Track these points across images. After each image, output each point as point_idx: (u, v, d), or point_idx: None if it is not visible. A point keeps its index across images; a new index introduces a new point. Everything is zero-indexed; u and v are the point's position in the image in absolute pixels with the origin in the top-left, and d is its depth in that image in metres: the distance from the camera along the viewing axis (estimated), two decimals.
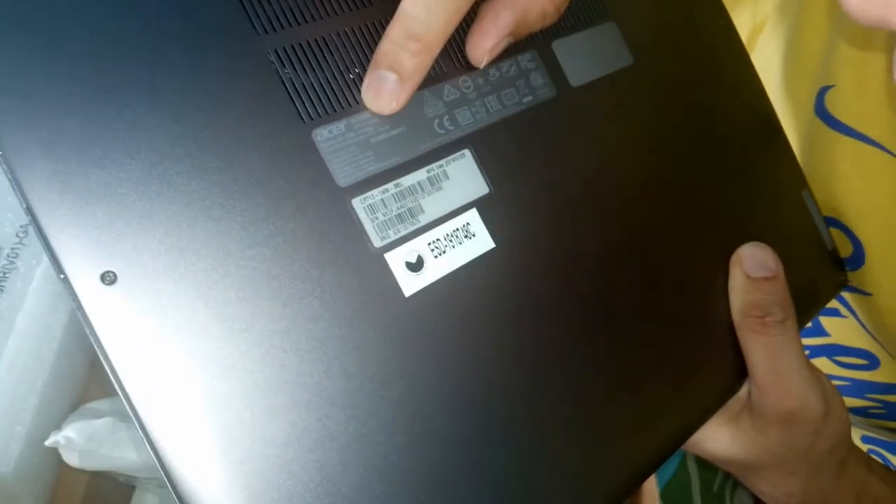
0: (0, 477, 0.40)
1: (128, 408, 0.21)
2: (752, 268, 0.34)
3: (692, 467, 0.56)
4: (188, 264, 0.22)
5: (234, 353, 0.22)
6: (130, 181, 0.21)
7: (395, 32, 0.24)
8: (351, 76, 0.26)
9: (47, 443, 0.42)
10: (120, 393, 0.21)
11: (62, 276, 0.20)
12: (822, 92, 0.43)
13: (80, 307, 0.20)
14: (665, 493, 0.54)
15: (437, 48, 0.25)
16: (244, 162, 0.23)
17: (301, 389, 0.22)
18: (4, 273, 0.47)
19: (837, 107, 0.42)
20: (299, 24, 0.25)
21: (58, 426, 0.43)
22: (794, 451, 0.34)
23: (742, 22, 0.49)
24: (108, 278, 0.20)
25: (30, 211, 0.20)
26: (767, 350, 0.33)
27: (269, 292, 0.23)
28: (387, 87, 0.25)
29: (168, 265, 0.21)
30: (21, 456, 0.41)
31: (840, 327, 0.51)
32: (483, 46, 0.27)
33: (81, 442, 0.42)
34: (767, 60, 0.42)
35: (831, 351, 0.53)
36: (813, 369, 0.34)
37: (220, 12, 0.24)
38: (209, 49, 0.23)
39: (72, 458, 0.42)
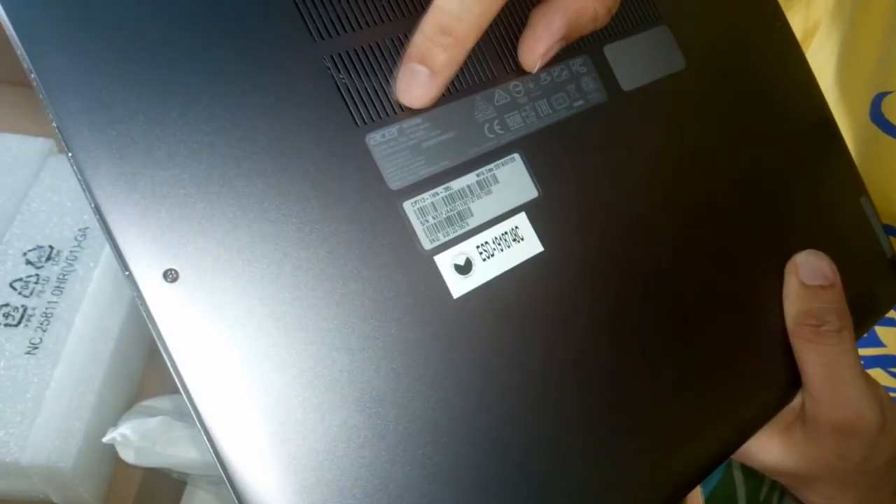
0: (60, 471, 0.42)
1: (186, 400, 0.22)
2: (807, 276, 0.33)
3: (738, 476, 0.55)
4: (246, 264, 0.23)
5: (288, 351, 0.23)
6: (192, 183, 0.22)
7: (428, 26, 0.25)
8: None
9: (104, 439, 0.43)
10: (179, 386, 0.22)
11: (127, 273, 0.21)
12: (879, 98, 0.43)
13: (143, 303, 0.21)
14: (710, 502, 0.54)
15: (469, 43, 0.25)
16: (300, 165, 0.24)
17: (351, 387, 0.23)
18: (64, 275, 0.49)
19: (895, 113, 0.42)
20: (354, 30, 0.26)
21: (114, 424, 0.45)
22: (849, 464, 0.34)
23: (794, 25, 0.49)
24: (171, 276, 0.22)
25: (97, 210, 0.21)
26: (822, 359, 0.32)
27: (322, 292, 0.24)
28: (419, 80, 0.25)
29: (227, 264, 0.22)
30: (80, 452, 0.43)
31: None
32: (536, 52, 0.28)
33: (136, 439, 0.43)
34: (820, 65, 0.42)
35: (886, 362, 0.52)
36: (869, 380, 0.33)
37: (278, 19, 0.25)
38: (267, 55, 0.24)
39: (127, 455, 0.44)
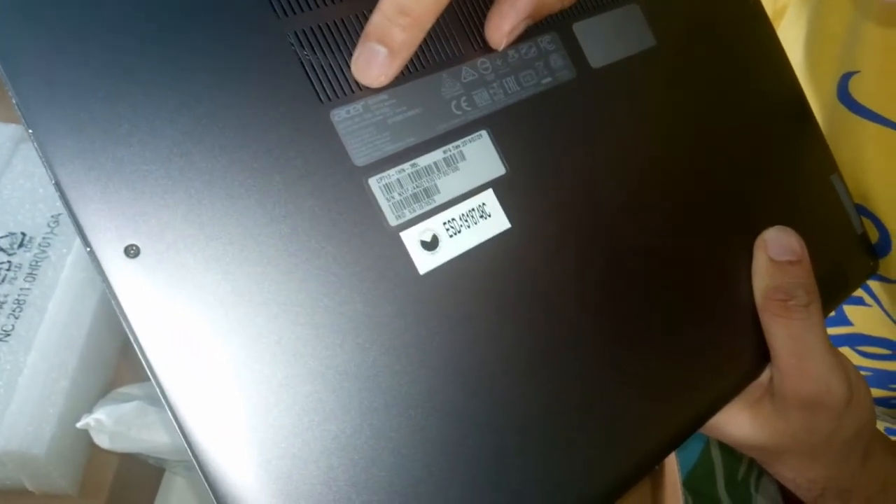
0: (34, 458, 0.42)
1: (150, 377, 0.22)
2: (776, 251, 0.34)
3: (716, 455, 0.56)
4: (208, 239, 0.23)
5: (252, 327, 0.23)
6: (154, 159, 0.23)
7: (387, 6, 0.25)
8: None
9: (78, 425, 0.44)
10: (143, 363, 0.22)
11: (88, 249, 0.22)
12: (846, 77, 0.43)
13: (105, 279, 0.22)
14: (688, 482, 0.54)
15: (428, 23, 0.26)
16: (263, 142, 0.24)
17: (316, 362, 0.24)
18: (36, 262, 0.49)
19: (862, 92, 0.43)
20: (318, 6, 0.26)
21: (89, 409, 0.45)
22: (817, 437, 0.34)
23: (764, 5, 0.49)
24: (132, 251, 0.22)
25: (58, 186, 0.21)
26: (790, 334, 0.33)
27: (286, 268, 0.24)
28: (377, 60, 0.26)
29: (189, 240, 0.23)
30: (54, 438, 0.43)
31: (864, 316, 0.51)
32: (502, 29, 0.28)
33: (111, 424, 0.44)
34: (788, 46, 0.43)
35: (854, 340, 0.53)
36: (837, 354, 0.34)
37: None
38: (230, 31, 0.24)
39: (102, 440, 0.44)
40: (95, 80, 0.22)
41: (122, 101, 0.23)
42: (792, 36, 0.49)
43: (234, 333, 0.23)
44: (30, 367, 0.45)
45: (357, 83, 0.26)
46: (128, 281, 0.22)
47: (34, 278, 0.48)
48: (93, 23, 0.23)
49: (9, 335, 0.46)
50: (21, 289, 0.48)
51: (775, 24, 0.50)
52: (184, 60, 0.24)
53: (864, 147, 0.44)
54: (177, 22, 0.24)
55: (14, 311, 0.47)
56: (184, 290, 0.22)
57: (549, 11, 0.29)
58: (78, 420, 0.44)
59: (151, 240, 0.22)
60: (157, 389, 0.22)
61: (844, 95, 0.44)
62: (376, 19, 0.25)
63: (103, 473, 0.46)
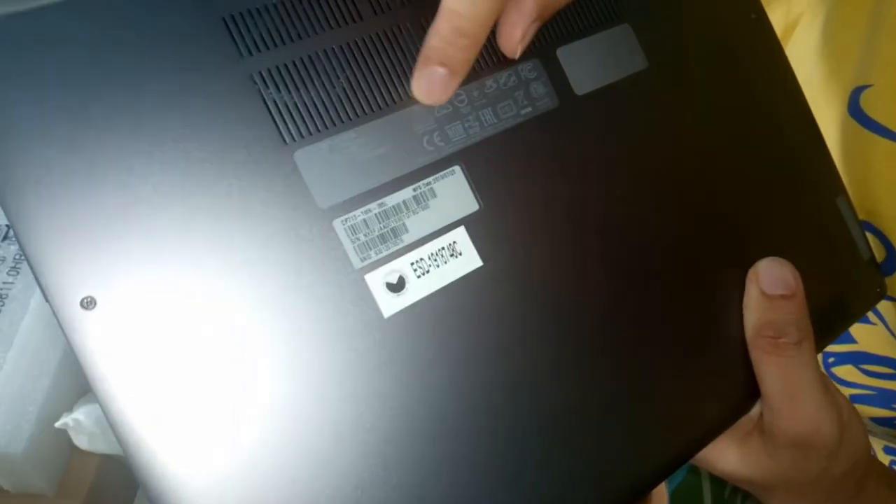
0: (11, 457, 0.44)
1: (106, 417, 0.23)
2: (768, 284, 0.34)
3: (704, 472, 0.57)
4: (167, 290, 0.24)
5: (212, 375, 0.24)
6: (112, 209, 0.23)
7: (444, 29, 0.27)
8: (334, 96, 0.27)
9: (57, 424, 0.45)
10: (101, 408, 0.23)
11: (47, 301, 0.23)
12: (858, 91, 0.43)
13: (63, 331, 0.23)
14: (675, 498, 0.56)
15: (483, 39, 0.27)
16: (225, 187, 0.25)
17: (276, 413, 0.25)
18: (20, 256, 0.50)
19: (874, 107, 0.43)
20: (284, 43, 0.27)
21: (69, 409, 0.47)
22: (807, 475, 0.35)
23: (776, 19, 0.49)
24: (88, 303, 0.23)
25: (17, 238, 0.23)
26: (780, 372, 0.33)
27: (246, 315, 0.25)
28: (439, 80, 0.27)
29: (147, 291, 0.24)
30: (32, 437, 0.44)
31: (868, 335, 0.51)
32: (514, 37, 0.29)
33: (90, 425, 0.45)
34: (800, 58, 0.43)
35: (858, 359, 0.53)
36: (829, 393, 0.35)
37: (205, 36, 0.25)
38: (193, 74, 0.25)
39: (80, 441, 0.45)
40: (52, 128, 0.23)
41: (79, 151, 0.23)
42: (804, 49, 0.49)
43: (195, 385, 0.24)
44: (10, 362, 0.46)
45: (328, 120, 0.27)
46: (84, 333, 0.23)
47: (17, 272, 0.50)
48: (50, 66, 0.23)
49: None
50: (3, 282, 0.49)
51: (787, 37, 0.50)
52: (143, 105, 0.24)
53: (874, 162, 0.44)
54: (135, 65, 0.24)
55: None
56: (142, 341, 0.23)
57: (556, 7, 0.29)
58: (57, 420, 0.46)
59: (108, 291, 0.23)
60: (117, 439, 0.23)
61: (856, 110, 0.44)
62: (434, 42, 0.27)
63: (83, 474, 0.48)
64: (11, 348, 0.46)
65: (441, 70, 0.27)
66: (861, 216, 0.44)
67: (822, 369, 0.56)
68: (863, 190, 0.44)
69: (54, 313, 0.23)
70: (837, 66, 0.46)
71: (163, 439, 0.23)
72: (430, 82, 0.28)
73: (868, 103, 0.43)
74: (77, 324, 0.23)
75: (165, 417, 0.23)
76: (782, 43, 0.41)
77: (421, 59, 0.28)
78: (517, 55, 0.29)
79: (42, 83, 0.23)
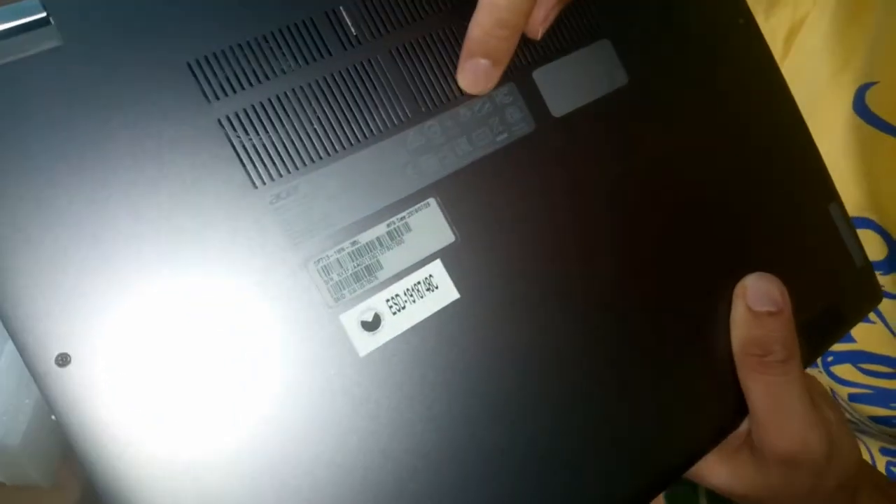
0: (8, 449, 0.44)
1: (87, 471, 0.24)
2: (755, 300, 0.34)
3: None
4: (143, 346, 0.24)
5: (189, 426, 0.25)
6: (83, 266, 0.24)
7: (486, 20, 0.28)
8: (304, 135, 0.28)
9: (54, 417, 0.46)
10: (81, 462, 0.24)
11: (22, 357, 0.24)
12: (864, 88, 0.43)
13: (38, 387, 0.24)
14: (671, 498, 0.56)
15: (522, 28, 0.29)
16: (195, 235, 0.25)
17: (249, 457, 0.25)
18: None
19: (879, 104, 0.43)
20: (252, 85, 0.27)
21: None
22: (797, 491, 0.35)
23: (783, 18, 0.50)
24: (63, 360, 0.24)
25: None
26: (767, 391, 0.33)
27: (226, 361, 0.25)
28: (483, 71, 0.30)
29: (122, 346, 0.24)
30: (28, 429, 0.45)
31: (867, 333, 0.51)
32: (536, 18, 0.30)
33: None
34: (806, 57, 0.43)
35: (856, 357, 0.53)
36: (816, 409, 0.34)
37: (171, 82, 0.26)
38: (160, 122, 0.25)
39: None
40: (23, 186, 0.24)
41: (47, 208, 0.24)
42: (810, 47, 0.49)
43: (173, 437, 0.24)
44: (7, 355, 0.47)
45: (299, 161, 0.27)
46: (59, 389, 0.24)
47: None
48: (19, 128, 0.24)
49: None
50: None
51: (793, 36, 0.50)
52: (111, 161, 0.25)
53: (879, 159, 0.44)
54: (100, 117, 0.25)
55: None
56: (117, 396, 0.24)
57: None
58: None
59: (82, 348, 0.24)
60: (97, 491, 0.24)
61: (861, 107, 0.44)
62: (476, 34, 0.29)
63: (78, 467, 0.49)
64: (9, 341, 0.47)
65: (484, 62, 0.29)
66: (865, 214, 0.44)
67: (821, 368, 0.56)
68: (867, 187, 0.44)
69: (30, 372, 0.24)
70: (843, 63, 0.46)
71: (144, 495, 0.24)
72: (475, 74, 0.30)
73: (874, 100, 0.43)
74: (52, 381, 0.24)
75: (146, 473, 0.24)
76: (788, 43, 0.41)
77: (464, 51, 0.29)
78: (539, 36, 0.31)
79: (7, 140, 0.24)
